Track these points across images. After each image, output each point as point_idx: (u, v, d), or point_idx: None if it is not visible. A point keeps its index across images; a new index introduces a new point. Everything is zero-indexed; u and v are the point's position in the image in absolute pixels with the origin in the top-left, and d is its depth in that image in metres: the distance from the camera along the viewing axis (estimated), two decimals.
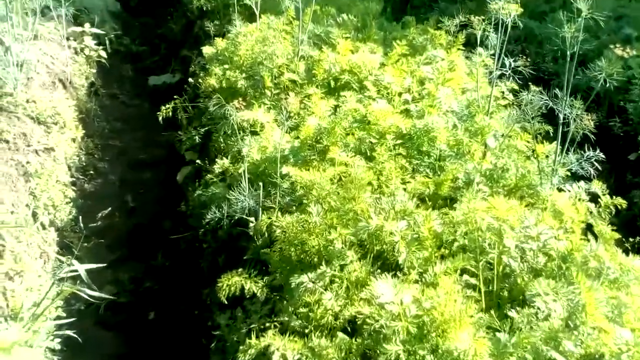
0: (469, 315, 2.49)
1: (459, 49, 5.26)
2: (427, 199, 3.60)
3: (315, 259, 3.13)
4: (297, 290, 2.93)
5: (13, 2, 5.62)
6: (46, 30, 6.73)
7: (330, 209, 3.33)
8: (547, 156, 3.86)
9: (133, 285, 4.63)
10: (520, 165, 3.75)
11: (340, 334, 2.78)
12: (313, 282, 2.92)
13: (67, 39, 6.78)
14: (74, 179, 5.44)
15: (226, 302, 3.20)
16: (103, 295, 3.68)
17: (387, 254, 3.03)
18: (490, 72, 4.23)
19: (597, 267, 2.83)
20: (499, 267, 2.90)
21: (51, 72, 6.07)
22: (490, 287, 2.89)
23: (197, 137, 5.20)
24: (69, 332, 3.55)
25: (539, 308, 2.54)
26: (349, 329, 2.87)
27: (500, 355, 2.41)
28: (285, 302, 3.12)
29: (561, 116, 3.42)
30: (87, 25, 7.22)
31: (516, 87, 4.51)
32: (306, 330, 2.86)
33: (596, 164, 3.54)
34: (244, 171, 3.79)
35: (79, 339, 3.59)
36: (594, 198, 3.53)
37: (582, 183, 3.54)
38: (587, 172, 3.55)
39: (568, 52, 3.44)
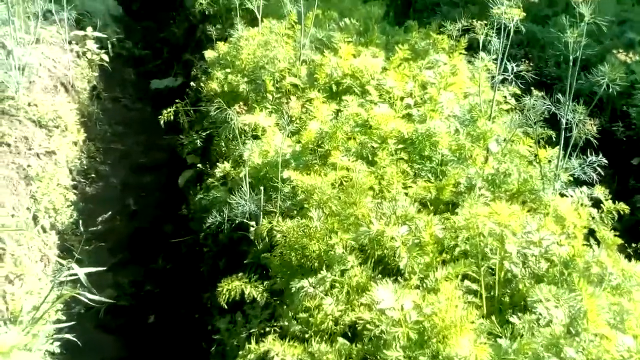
0: (470, 321, 2.47)
1: (461, 53, 5.25)
2: (428, 203, 3.59)
3: (316, 264, 3.12)
4: (297, 295, 2.92)
5: (15, 6, 5.62)
6: (48, 34, 6.74)
7: (331, 213, 3.32)
8: (549, 161, 3.84)
9: (133, 289, 4.62)
10: (523, 170, 3.74)
11: (340, 339, 2.76)
12: (313, 287, 2.91)
13: (70, 42, 6.78)
14: (75, 183, 5.43)
15: (226, 307, 3.19)
16: (103, 299, 3.66)
17: (388, 259, 3.01)
18: (493, 77, 4.22)
19: (600, 273, 2.81)
20: (500, 272, 2.89)
21: (53, 76, 6.08)
22: (492, 293, 2.88)
23: (198, 141, 5.19)
24: (69, 336, 3.54)
25: (540, 314, 2.53)
26: (349, 334, 2.86)
27: None
28: (285, 306, 3.11)
29: (564, 121, 3.40)
30: (89, 29, 7.23)
31: (518, 92, 4.49)
32: (306, 336, 2.85)
33: (599, 169, 3.53)
34: (245, 175, 3.78)
35: (79, 343, 3.57)
36: (596, 203, 3.51)
37: (584, 188, 3.52)
38: (590, 177, 3.54)
39: (571, 57, 3.43)
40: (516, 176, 3.68)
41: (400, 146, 3.96)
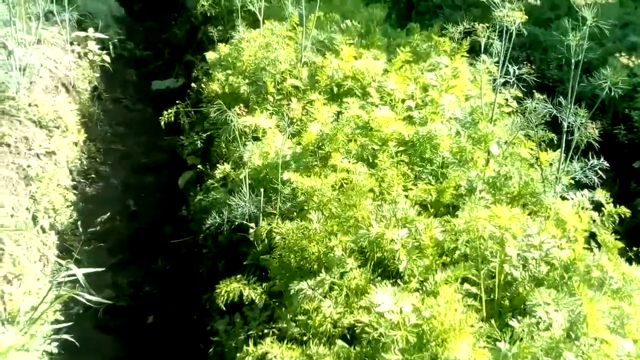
0: (469, 325, 2.45)
1: (463, 55, 5.24)
2: (429, 206, 3.57)
3: (315, 266, 3.10)
4: (296, 297, 2.91)
5: (16, 6, 5.62)
6: (50, 34, 6.74)
7: (331, 215, 3.31)
8: (550, 164, 3.83)
9: (132, 289, 4.61)
10: (524, 173, 3.72)
11: (339, 342, 2.75)
12: (312, 289, 2.89)
13: (71, 43, 6.78)
14: (75, 183, 5.43)
15: (224, 309, 3.18)
16: (101, 299, 3.65)
17: (388, 261, 3.00)
18: (494, 79, 4.20)
19: (600, 277, 2.80)
20: (500, 275, 2.87)
21: (54, 76, 6.08)
22: (492, 296, 2.86)
23: (199, 142, 5.18)
24: (67, 336, 3.53)
25: (540, 318, 2.51)
26: (348, 336, 2.84)
27: None
28: (284, 308, 3.09)
29: (565, 124, 3.39)
30: (91, 30, 7.23)
31: (520, 95, 4.48)
32: (304, 338, 2.83)
33: (600, 172, 3.52)
34: (245, 177, 3.77)
35: (77, 343, 3.56)
36: (597, 206, 3.50)
37: (585, 191, 3.51)
38: (591, 181, 3.52)
39: (573, 60, 3.41)
40: (517, 179, 3.67)
41: (401, 148, 3.95)
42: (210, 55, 5.72)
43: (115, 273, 4.66)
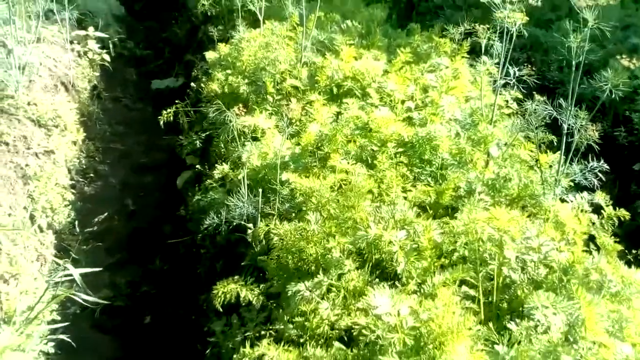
0: (467, 328, 2.44)
1: (463, 56, 5.22)
2: (428, 207, 3.56)
3: (313, 267, 3.09)
4: (293, 299, 2.89)
5: (16, 5, 5.61)
6: (50, 33, 6.73)
7: (329, 216, 3.30)
8: (550, 166, 3.81)
9: (130, 289, 4.60)
10: (523, 175, 3.70)
11: (336, 344, 2.73)
12: (310, 291, 2.88)
13: (71, 42, 6.78)
14: (74, 182, 5.41)
15: (221, 310, 3.17)
16: (98, 299, 3.64)
17: (386, 263, 2.98)
18: (495, 81, 4.19)
19: (599, 280, 2.78)
20: (499, 278, 2.86)
21: (53, 75, 6.06)
22: (490, 299, 2.85)
23: (198, 142, 5.17)
24: (63, 336, 3.51)
25: (538, 321, 2.49)
26: (345, 338, 2.83)
27: None
28: (281, 310, 3.08)
29: (565, 126, 3.38)
30: (91, 28, 7.22)
31: (520, 96, 4.47)
32: (302, 340, 2.82)
33: (600, 175, 3.50)
34: (243, 177, 3.76)
35: (73, 343, 3.55)
36: (597, 209, 3.49)
37: (585, 194, 3.49)
38: (591, 183, 3.51)
39: (573, 62, 3.40)
40: (516, 181, 3.65)
41: (400, 150, 3.93)
42: (210, 55, 5.70)
43: (113, 273, 4.65)
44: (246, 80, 5.09)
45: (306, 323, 2.86)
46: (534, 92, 3.92)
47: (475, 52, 5.00)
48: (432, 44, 5.50)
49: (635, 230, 4.54)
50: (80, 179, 5.60)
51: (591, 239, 3.31)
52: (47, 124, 5.23)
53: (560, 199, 3.53)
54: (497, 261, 2.82)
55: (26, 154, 4.75)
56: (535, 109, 3.61)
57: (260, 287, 3.22)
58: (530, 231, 2.96)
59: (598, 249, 3.18)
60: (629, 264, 3.02)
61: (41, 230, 4.37)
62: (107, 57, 7.20)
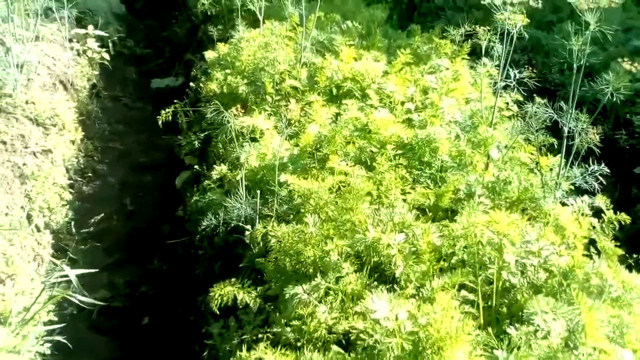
0: (466, 333, 2.42)
1: (463, 58, 5.20)
2: (427, 210, 3.54)
3: (311, 270, 3.07)
4: (291, 302, 2.87)
5: (15, 2, 5.59)
6: (49, 31, 6.71)
7: (327, 219, 3.27)
8: (551, 169, 3.80)
9: (128, 290, 4.58)
10: (523, 178, 3.69)
11: (334, 347, 2.71)
12: (307, 294, 2.86)
13: (70, 40, 6.76)
14: (72, 181, 5.39)
15: (218, 312, 3.14)
16: (94, 301, 3.62)
17: (385, 266, 2.96)
18: (495, 83, 4.17)
19: (599, 285, 2.76)
20: (498, 282, 2.84)
21: (52, 74, 6.04)
22: (489, 303, 2.83)
23: (196, 142, 5.15)
24: (60, 338, 3.49)
25: (538, 326, 2.47)
26: (343, 342, 2.81)
27: None
28: (278, 313, 3.06)
29: (566, 129, 3.35)
30: (90, 27, 7.20)
31: (521, 99, 4.45)
32: (299, 344, 2.79)
33: (601, 178, 3.48)
34: (241, 178, 3.74)
35: (70, 345, 3.53)
36: (597, 213, 3.47)
37: (585, 197, 3.48)
38: (591, 186, 3.49)
39: (575, 64, 3.37)
40: (517, 184, 3.63)
41: (400, 152, 3.91)
42: (209, 55, 5.68)
43: (111, 273, 4.63)
44: (245, 81, 5.07)
45: (303, 326, 2.84)
46: (535, 95, 3.91)
47: (475, 54, 4.99)
48: (433, 45, 5.48)
49: (636, 234, 4.52)
50: (79, 179, 5.57)
51: (592, 243, 3.29)
52: (45, 123, 5.21)
53: (560, 202, 3.52)
54: (496, 265, 2.79)
55: (24, 153, 4.73)
56: (535, 112, 3.59)
57: (258, 289, 3.20)
58: (530, 235, 2.94)
59: (599, 253, 3.16)
60: (629, 268, 3.01)
61: (38, 230, 4.35)
62: (106, 56, 7.18)
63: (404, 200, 3.51)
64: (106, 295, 4.30)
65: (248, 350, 2.75)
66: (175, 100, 5.26)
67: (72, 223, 4.86)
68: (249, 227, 3.68)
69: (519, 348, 2.44)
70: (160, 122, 4.81)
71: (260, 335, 3.07)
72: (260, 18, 5.55)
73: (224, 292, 3.07)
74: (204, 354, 3.46)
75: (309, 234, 3.10)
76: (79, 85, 6.49)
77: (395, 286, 2.87)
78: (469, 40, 5.05)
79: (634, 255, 3.61)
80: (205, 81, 5.52)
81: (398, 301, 2.49)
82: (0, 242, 3.80)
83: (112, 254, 4.90)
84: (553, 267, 2.91)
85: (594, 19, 3.28)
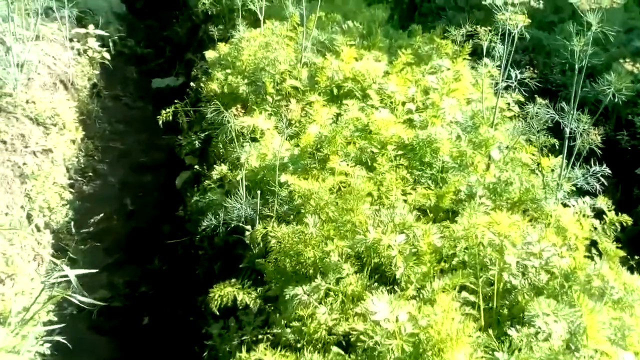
0: (467, 334, 2.41)
1: (465, 58, 5.19)
2: (428, 211, 3.53)
3: (311, 271, 3.06)
4: (291, 303, 2.86)
5: (15, 2, 5.58)
6: (49, 31, 6.70)
7: (327, 219, 3.26)
8: (552, 170, 3.79)
9: (128, 290, 4.57)
10: (525, 179, 3.68)
11: (334, 349, 2.70)
12: (308, 295, 2.84)
13: (71, 40, 6.75)
14: (72, 181, 5.39)
15: (218, 313, 3.13)
16: (94, 301, 3.61)
17: (385, 267, 2.94)
18: (496, 83, 4.16)
19: (601, 287, 2.75)
20: (499, 284, 2.83)
21: (52, 73, 6.03)
22: (490, 304, 2.82)
23: (197, 142, 5.14)
24: (59, 338, 3.48)
25: (539, 328, 2.46)
26: (343, 343, 2.80)
27: None
28: (278, 314, 3.05)
29: (567, 130, 3.34)
30: (91, 26, 7.19)
31: (522, 99, 4.44)
32: (299, 345, 2.78)
33: (602, 179, 3.47)
34: (241, 178, 3.73)
35: (69, 345, 3.52)
36: (599, 214, 3.46)
37: (587, 198, 3.47)
38: (593, 187, 3.48)
39: (576, 65, 3.36)
40: (518, 185, 3.62)
41: (401, 152, 3.90)
42: (210, 54, 5.67)
43: (111, 273, 4.63)
44: (246, 80, 5.06)
45: (303, 328, 2.83)
46: (536, 95, 3.90)
47: (476, 54, 4.98)
48: (434, 45, 5.47)
49: (638, 236, 4.51)
50: (79, 178, 5.56)
51: (593, 244, 3.29)
52: (45, 123, 5.20)
53: (562, 203, 3.51)
54: (497, 266, 2.79)
55: (24, 153, 4.73)
56: (537, 112, 3.58)
57: (258, 290, 3.19)
58: (531, 236, 2.93)
59: (600, 254, 3.15)
60: (631, 270, 2.99)
61: (38, 230, 4.34)
62: (107, 55, 7.17)
63: (405, 201, 3.49)
64: (106, 295, 4.29)
65: (248, 351, 2.74)
66: (175, 100, 5.25)
67: (72, 223, 4.85)
68: (249, 227, 3.67)
69: (519, 350, 2.43)
70: (160, 122, 4.80)
71: (260, 336, 3.06)
72: (261, 18, 5.54)
73: (224, 292, 3.06)
74: (204, 354, 3.45)
75: (309, 235, 3.09)
76: (79, 84, 6.49)
77: (395, 287, 2.86)
78: (470, 41, 5.05)
79: (636, 257, 3.60)
80: (206, 81, 5.52)
81: (398, 302, 2.48)
82: (0, 242, 3.79)
83: (112, 254, 4.89)
84: (554, 268, 2.89)
85: (595, 19, 3.27)
